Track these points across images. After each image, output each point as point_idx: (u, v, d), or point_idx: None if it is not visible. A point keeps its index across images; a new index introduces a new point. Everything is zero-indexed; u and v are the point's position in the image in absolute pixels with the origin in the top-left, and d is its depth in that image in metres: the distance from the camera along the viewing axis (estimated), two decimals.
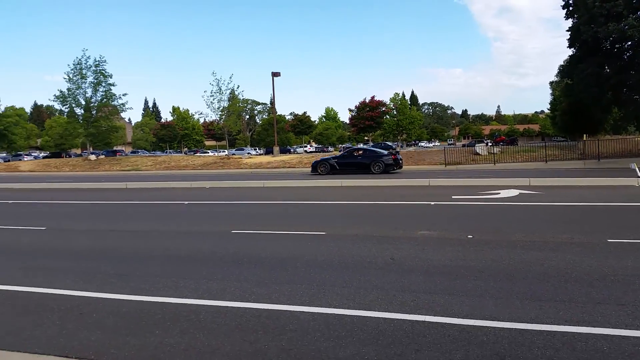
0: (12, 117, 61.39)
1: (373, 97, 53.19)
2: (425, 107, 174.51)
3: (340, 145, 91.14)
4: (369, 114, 51.46)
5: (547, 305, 5.03)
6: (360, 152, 27.70)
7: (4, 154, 69.03)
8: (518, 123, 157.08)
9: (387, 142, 79.19)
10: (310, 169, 28.62)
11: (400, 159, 27.45)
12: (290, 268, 6.79)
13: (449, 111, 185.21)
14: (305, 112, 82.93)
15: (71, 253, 8.43)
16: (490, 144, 50.92)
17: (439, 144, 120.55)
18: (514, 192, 15.01)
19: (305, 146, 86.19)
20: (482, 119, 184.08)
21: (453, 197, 14.35)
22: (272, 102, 73.19)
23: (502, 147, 40.12)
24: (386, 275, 6.28)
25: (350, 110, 54.55)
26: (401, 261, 6.98)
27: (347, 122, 62.32)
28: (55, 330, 4.84)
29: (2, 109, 60.21)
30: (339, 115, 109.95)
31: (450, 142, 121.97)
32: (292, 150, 78.49)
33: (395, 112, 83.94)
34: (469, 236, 8.52)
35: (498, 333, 4.37)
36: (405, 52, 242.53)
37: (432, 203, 13.21)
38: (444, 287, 5.74)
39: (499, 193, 14.92)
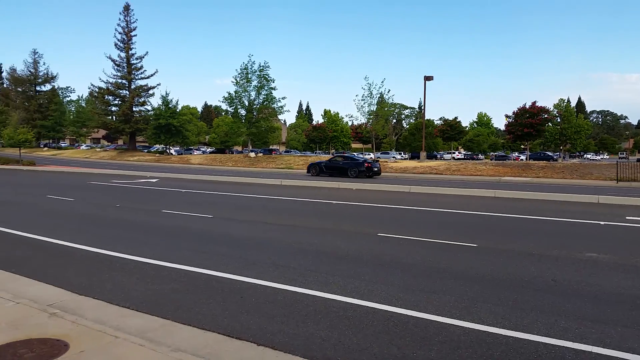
0: (186, 115, 69.38)
1: (534, 103, 49.07)
2: (594, 115, 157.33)
3: (492, 153, 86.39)
4: (528, 121, 47.62)
5: None
6: (342, 159, 33.05)
7: (177, 148, 78.26)
8: None
9: (547, 152, 72.94)
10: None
11: (376, 168, 31.84)
12: (438, 278, 6.60)
13: (622, 121, 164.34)
14: (456, 117, 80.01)
15: (233, 241, 9.23)
16: None
17: (607, 156, 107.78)
18: None
19: (454, 152, 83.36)
20: None
21: (627, 217, 12.69)
22: (422, 106, 72.16)
23: None
24: (546, 298, 5.76)
25: (507, 116, 50.96)
26: (564, 284, 6.35)
27: (502, 128, 58.58)
28: (219, 310, 5.32)
29: (179, 108, 68.10)
30: (492, 122, 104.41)
31: (622, 155, 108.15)
32: (438, 156, 76.47)
33: (558, 120, 76.91)
34: None
35: None
36: (572, 55, 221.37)
37: (602, 223, 11.82)
38: (616, 317, 5.08)
39: None
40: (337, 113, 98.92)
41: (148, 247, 8.56)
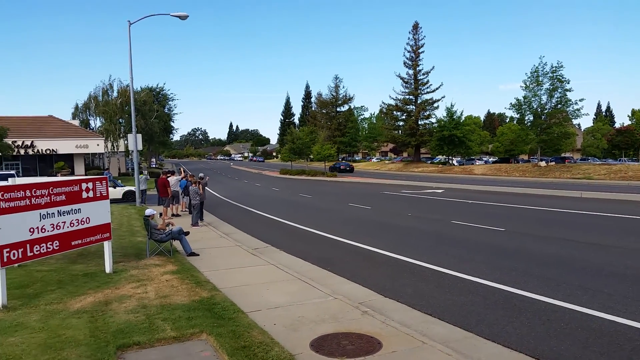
0: (469, 125, 68.85)
1: None
2: None
3: None
4: None
5: None
6: (334, 163, 54.07)
7: (459, 158, 78.23)
8: None
9: None
10: None
11: (348, 167, 52.86)
12: None
13: None
14: None
15: (530, 257, 8.67)
16: None
17: None
18: None
19: None
20: None
21: None
22: None
23: None
24: None
25: None
26: None
27: None
28: (525, 330, 5.05)
29: (463, 118, 67.99)
30: None
31: None
32: None
33: None
34: None
35: None
36: None
37: None
38: None
39: None
40: None
41: (442, 256, 8.79)
